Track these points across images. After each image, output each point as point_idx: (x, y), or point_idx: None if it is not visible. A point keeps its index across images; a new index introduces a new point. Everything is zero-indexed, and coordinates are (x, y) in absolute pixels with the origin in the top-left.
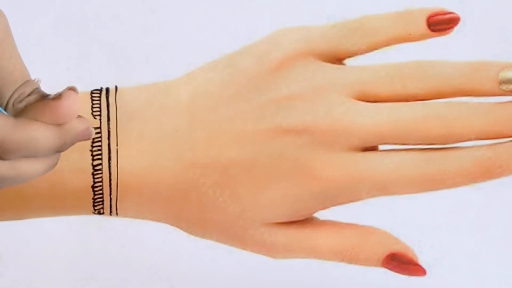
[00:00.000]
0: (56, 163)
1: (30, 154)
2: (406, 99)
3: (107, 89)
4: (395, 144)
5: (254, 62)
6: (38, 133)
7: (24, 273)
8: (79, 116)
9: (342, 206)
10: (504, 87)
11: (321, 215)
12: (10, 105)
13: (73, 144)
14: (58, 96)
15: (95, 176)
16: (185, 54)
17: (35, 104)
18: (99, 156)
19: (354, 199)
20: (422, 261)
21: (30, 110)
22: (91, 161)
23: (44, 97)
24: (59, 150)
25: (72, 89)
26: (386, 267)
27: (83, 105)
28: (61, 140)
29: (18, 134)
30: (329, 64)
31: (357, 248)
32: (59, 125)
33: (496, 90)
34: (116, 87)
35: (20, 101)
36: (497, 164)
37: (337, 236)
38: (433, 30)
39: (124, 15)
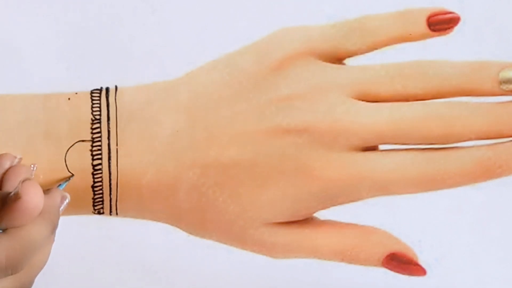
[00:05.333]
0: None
1: (34, 253)
2: (406, 99)
3: (107, 89)
4: (395, 144)
5: (254, 62)
6: (31, 236)
7: None
8: (47, 191)
9: (342, 206)
10: (504, 87)
11: (321, 215)
12: None
13: (59, 216)
14: (17, 195)
15: (95, 176)
16: (185, 54)
17: (0, 212)
18: (99, 156)
19: (354, 199)
20: (422, 261)
21: (0, 219)
22: (91, 161)
23: (3, 199)
24: (53, 231)
25: (27, 179)
26: (386, 267)
27: (83, 105)
28: (51, 223)
29: (16, 248)
30: (329, 64)
31: (357, 248)
32: (40, 215)
33: (496, 90)
34: (116, 87)
35: None
36: (497, 164)
37: (337, 236)
38: (433, 30)
39: (124, 15)
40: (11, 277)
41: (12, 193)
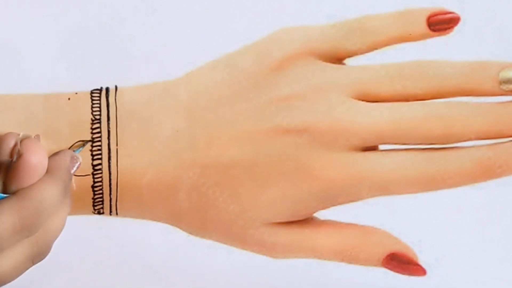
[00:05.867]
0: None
1: (47, 213)
2: (406, 99)
3: (107, 89)
4: (395, 144)
5: (254, 62)
6: (41, 194)
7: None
8: (54, 154)
9: (342, 206)
10: (504, 87)
11: (321, 215)
12: None
13: (72, 177)
14: (19, 154)
15: (95, 176)
16: (185, 54)
17: (8, 177)
18: (99, 156)
19: (354, 199)
20: (422, 261)
21: (9, 184)
22: (91, 161)
23: (8, 163)
24: (66, 192)
25: (26, 138)
26: (386, 267)
27: (83, 105)
28: (62, 182)
29: (27, 207)
30: (329, 64)
31: (357, 248)
32: (48, 174)
33: (496, 90)
34: (116, 87)
35: None
36: (497, 164)
37: (337, 236)
38: (433, 30)
39: (124, 15)
40: (28, 241)
41: (15, 156)
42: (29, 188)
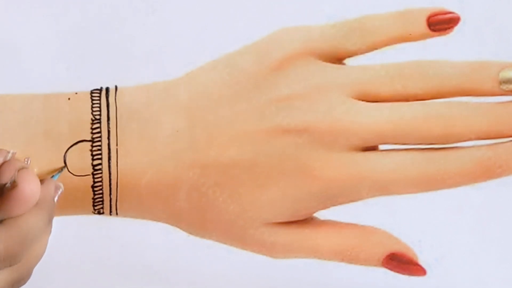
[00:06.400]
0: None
1: (32, 243)
2: (406, 99)
3: (107, 89)
4: (395, 144)
5: (254, 62)
6: (29, 226)
7: None
8: (41, 181)
9: (342, 206)
10: (504, 86)
11: (321, 215)
12: None
13: (55, 205)
14: (13, 183)
15: (95, 176)
16: (185, 54)
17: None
18: (99, 156)
19: (354, 199)
20: (422, 261)
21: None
22: (91, 161)
23: (1, 189)
24: (50, 221)
25: (23, 168)
26: (386, 267)
27: (83, 105)
28: (48, 213)
29: (14, 238)
30: (329, 64)
31: (357, 248)
32: (36, 205)
33: (496, 90)
34: (116, 87)
35: None
36: (497, 164)
37: (337, 236)
38: (433, 30)
39: (124, 15)
40: (10, 268)
41: (9, 183)
42: (18, 219)
